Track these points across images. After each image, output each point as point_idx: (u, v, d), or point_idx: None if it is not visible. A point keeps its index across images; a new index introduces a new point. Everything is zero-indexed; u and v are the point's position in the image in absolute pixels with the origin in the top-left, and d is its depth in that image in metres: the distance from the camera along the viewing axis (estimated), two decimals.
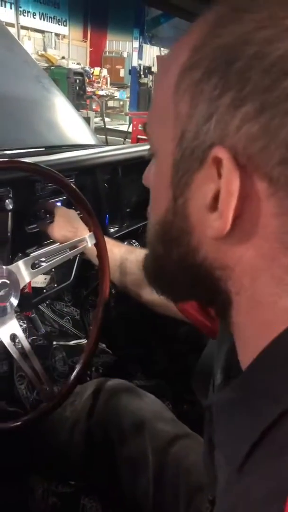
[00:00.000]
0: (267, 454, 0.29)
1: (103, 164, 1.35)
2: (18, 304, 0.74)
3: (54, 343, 1.31)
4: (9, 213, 0.95)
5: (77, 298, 1.51)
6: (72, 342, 1.35)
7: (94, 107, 7.58)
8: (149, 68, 8.04)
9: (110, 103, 10.52)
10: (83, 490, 0.90)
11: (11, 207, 0.92)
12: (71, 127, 1.89)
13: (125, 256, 0.86)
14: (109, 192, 1.44)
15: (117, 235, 1.51)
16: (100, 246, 0.80)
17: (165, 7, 1.03)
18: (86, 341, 1.29)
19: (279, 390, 0.31)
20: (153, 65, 7.68)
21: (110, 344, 1.40)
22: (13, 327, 0.73)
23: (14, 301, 0.72)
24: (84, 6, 13.87)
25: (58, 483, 0.92)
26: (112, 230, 1.50)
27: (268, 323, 0.33)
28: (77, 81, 5.73)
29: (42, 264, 0.82)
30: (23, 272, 0.73)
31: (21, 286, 0.73)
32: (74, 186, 0.83)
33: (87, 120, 5.46)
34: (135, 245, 1.33)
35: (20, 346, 0.77)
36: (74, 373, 0.82)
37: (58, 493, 0.92)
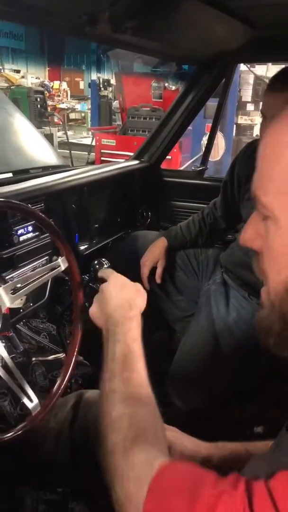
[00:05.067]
0: None
1: (70, 187, 1.43)
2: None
3: (33, 359, 1.36)
4: None
5: (52, 314, 1.56)
6: (50, 357, 1.40)
7: (56, 120, 7.61)
8: (108, 81, 8.16)
9: (72, 115, 10.57)
10: (71, 496, 0.97)
11: None
12: (36, 150, 1.96)
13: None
14: (77, 212, 1.51)
15: (87, 252, 1.59)
16: (72, 269, 0.88)
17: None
18: (64, 355, 1.35)
19: None
20: (112, 77, 7.80)
21: (87, 356, 1.47)
22: None
23: None
24: None
25: (46, 491, 0.98)
26: (82, 247, 1.58)
27: None
28: (38, 99, 5.79)
29: (20, 288, 0.89)
30: (4, 298, 0.80)
31: (3, 311, 0.80)
32: (44, 216, 0.89)
33: (50, 136, 5.50)
34: (105, 263, 1.41)
35: (2, 364, 0.83)
36: (56, 387, 0.89)
37: (46, 500, 0.98)
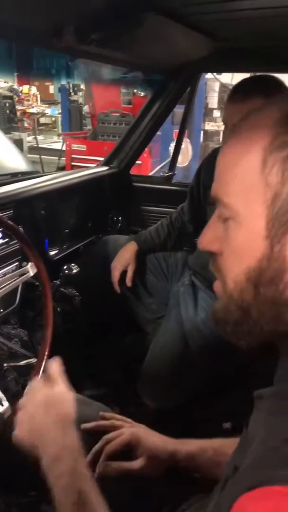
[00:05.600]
0: None
1: (39, 194, 1.44)
2: None
3: (5, 365, 1.36)
4: None
5: (24, 319, 1.57)
6: (22, 362, 1.41)
7: (26, 125, 7.52)
8: (78, 85, 8.13)
9: (42, 120, 10.46)
10: (43, 497, 0.98)
11: None
12: (3, 156, 1.96)
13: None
14: (47, 218, 1.53)
15: (57, 257, 1.60)
16: (41, 274, 0.90)
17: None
18: (35, 360, 1.36)
19: None
20: (82, 83, 7.78)
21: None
22: None
23: None
24: None
25: (18, 495, 0.99)
26: (52, 253, 1.60)
27: None
28: (7, 104, 5.73)
29: None
30: None
31: None
32: (12, 224, 0.91)
33: (20, 142, 5.44)
34: (74, 268, 1.43)
35: None
36: (26, 391, 0.90)
37: (19, 503, 0.99)
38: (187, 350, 1.38)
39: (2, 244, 1.23)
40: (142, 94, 4.59)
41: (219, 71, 2.67)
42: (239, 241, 0.46)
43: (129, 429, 0.83)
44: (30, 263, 0.91)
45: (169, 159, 2.10)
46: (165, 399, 1.37)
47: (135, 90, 5.01)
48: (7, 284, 0.91)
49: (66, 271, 1.39)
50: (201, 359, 1.36)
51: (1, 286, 0.90)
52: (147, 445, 0.80)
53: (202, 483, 0.80)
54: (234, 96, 1.22)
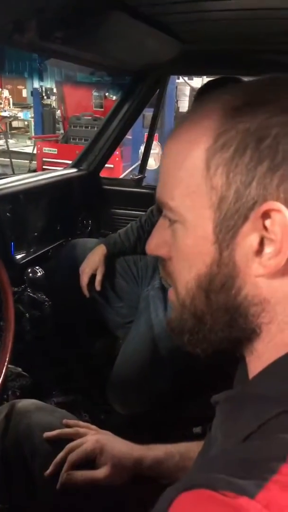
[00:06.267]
0: (259, 438, 0.37)
1: (4, 195, 1.40)
2: None
3: None
4: None
5: None
6: None
7: None
8: (51, 89, 8.08)
9: (15, 123, 10.32)
10: (4, 510, 0.94)
11: None
12: None
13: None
14: (13, 220, 1.48)
15: (24, 260, 1.56)
16: (1, 279, 0.86)
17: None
18: None
19: (281, 393, 0.39)
20: (54, 86, 7.74)
21: (27, 367, 1.44)
22: None
23: None
24: None
25: None
26: (18, 256, 1.55)
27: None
28: None
29: None
30: None
31: None
32: None
33: None
34: (39, 271, 1.39)
35: None
36: None
37: None
38: (157, 354, 1.36)
39: None
40: (114, 97, 4.59)
41: (187, 73, 2.69)
42: (187, 246, 0.45)
43: (93, 437, 0.81)
44: None
45: (139, 162, 2.09)
46: (135, 405, 1.35)
47: (106, 94, 5.00)
48: None
49: (30, 274, 1.35)
50: (171, 363, 1.34)
51: None
52: (111, 453, 0.77)
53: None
54: (200, 98, 1.22)
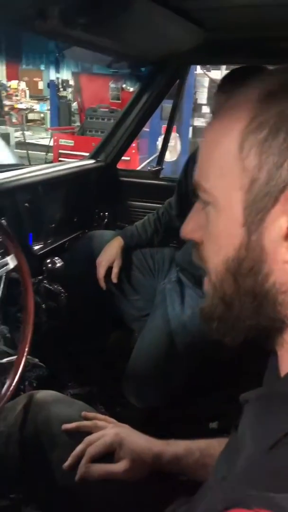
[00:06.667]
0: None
1: (23, 185, 1.40)
2: None
3: None
4: None
5: (6, 316, 1.52)
6: (3, 360, 1.36)
7: (14, 120, 7.42)
8: (67, 81, 8.06)
9: (31, 116, 10.35)
10: (23, 501, 0.94)
11: None
12: None
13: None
14: (31, 211, 1.48)
15: (41, 252, 1.56)
16: (21, 267, 0.85)
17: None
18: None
19: None
20: (71, 78, 7.71)
21: (43, 358, 1.44)
22: None
23: None
24: None
25: None
26: (36, 247, 1.55)
27: None
28: None
29: None
30: None
31: None
32: None
33: (7, 136, 5.36)
34: (58, 262, 1.39)
35: None
36: (4, 390, 0.86)
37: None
38: (173, 348, 1.35)
39: None
40: (131, 89, 4.55)
41: (209, 63, 2.63)
42: (218, 229, 0.45)
43: (112, 430, 0.80)
44: (10, 255, 0.87)
45: (157, 153, 2.06)
46: (150, 399, 1.34)
47: (123, 85, 4.97)
48: None
49: (49, 265, 1.34)
50: (187, 358, 1.33)
51: None
52: (131, 447, 0.76)
53: (188, 486, 0.77)
54: (224, 86, 1.19)
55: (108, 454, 0.77)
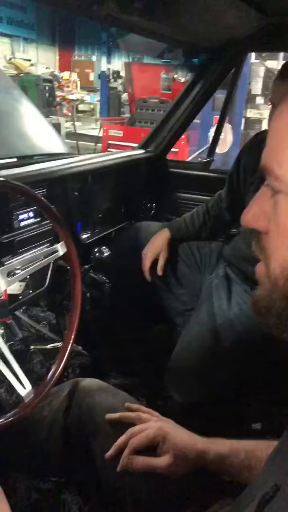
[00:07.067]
0: None
1: (74, 174, 1.41)
2: None
3: (32, 347, 1.35)
4: None
5: (52, 303, 1.55)
6: (49, 346, 1.39)
7: (64, 111, 7.55)
8: (118, 72, 8.10)
9: (81, 107, 10.51)
10: (64, 485, 0.96)
11: None
12: (41, 137, 1.94)
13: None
14: (80, 200, 1.49)
15: (88, 241, 1.57)
16: (71, 255, 0.86)
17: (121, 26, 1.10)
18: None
19: None
20: (122, 69, 7.74)
21: (86, 346, 1.46)
22: None
23: None
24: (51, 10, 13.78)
25: (39, 480, 0.97)
26: (84, 236, 1.56)
27: None
28: (46, 88, 5.74)
29: (17, 272, 0.87)
30: (0, 281, 0.78)
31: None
32: (43, 199, 0.87)
33: (58, 126, 5.47)
34: (106, 251, 1.39)
35: None
36: (50, 375, 0.87)
37: (39, 489, 0.97)
38: (217, 345, 1.32)
39: (34, 223, 1.20)
40: (182, 79, 4.48)
41: (267, 50, 2.53)
42: (285, 221, 0.41)
43: (156, 423, 0.79)
44: (60, 243, 0.87)
45: (208, 145, 2.01)
46: (192, 394, 1.32)
47: (175, 76, 4.90)
48: (37, 263, 0.87)
49: (97, 254, 1.35)
50: (232, 355, 1.29)
51: (31, 265, 0.86)
52: (174, 442, 0.75)
53: (231, 487, 0.75)
54: (284, 74, 1.13)
55: (151, 448, 0.76)
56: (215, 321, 1.35)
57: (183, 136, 2.17)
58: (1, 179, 0.79)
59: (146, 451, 0.76)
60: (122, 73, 8.24)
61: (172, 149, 2.05)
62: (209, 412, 1.32)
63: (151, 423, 0.79)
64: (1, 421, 0.76)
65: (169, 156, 2.01)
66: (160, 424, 0.78)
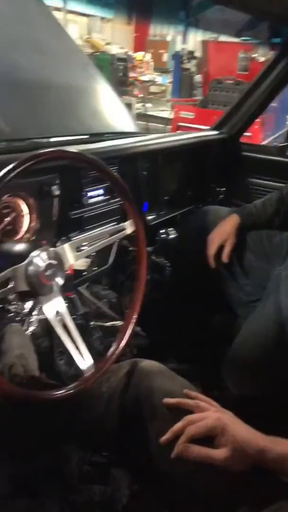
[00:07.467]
0: None
1: (145, 152, 1.38)
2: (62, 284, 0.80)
3: (92, 323, 1.37)
4: (55, 199, 1.01)
5: (114, 282, 1.56)
6: (108, 324, 1.41)
7: (135, 92, 7.53)
8: (192, 52, 7.90)
9: (152, 88, 10.44)
10: (115, 461, 0.97)
11: (57, 193, 0.97)
12: (114, 115, 1.93)
13: None
14: (148, 180, 1.47)
15: (154, 222, 1.55)
16: (138, 234, 0.84)
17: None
18: (121, 323, 1.35)
19: None
20: (196, 50, 7.55)
21: (144, 328, 1.45)
22: (59, 305, 0.78)
23: (60, 280, 0.78)
24: None
25: (92, 453, 0.99)
26: (149, 217, 1.54)
27: None
28: (121, 67, 5.74)
29: (85, 248, 0.87)
30: (68, 255, 0.78)
31: (66, 267, 0.78)
32: (116, 175, 0.86)
33: (129, 106, 5.47)
34: (172, 233, 1.36)
35: (62, 323, 0.83)
36: (110, 352, 0.87)
37: (91, 462, 0.99)
38: (282, 339, 1.25)
39: (103, 201, 1.20)
40: (262, 59, 4.25)
41: None
42: None
43: (215, 414, 0.76)
44: (129, 221, 0.86)
45: (285, 129, 1.90)
46: (251, 388, 1.27)
47: (254, 55, 4.67)
48: (104, 240, 0.87)
49: (163, 235, 1.33)
50: None
51: (98, 242, 0.86)
52: (234, 435, 0.72)
53: None
54: None
55: (208, 438, 0.74)
56: (281, 314, 1.28)
57: (257, 120, 2.05)
58: (77, 151, 0.78)
59: (203, 441, 0.74)
60: (197, 54, 8.03)
61: (245, 134, 1.95)
62: (267, 408, 1.27)
63: (210, 413, 0.76)
64: (62, 393, 0.78)
65: (242, 140, 1.93)
66: (219, 415, 0.76)
